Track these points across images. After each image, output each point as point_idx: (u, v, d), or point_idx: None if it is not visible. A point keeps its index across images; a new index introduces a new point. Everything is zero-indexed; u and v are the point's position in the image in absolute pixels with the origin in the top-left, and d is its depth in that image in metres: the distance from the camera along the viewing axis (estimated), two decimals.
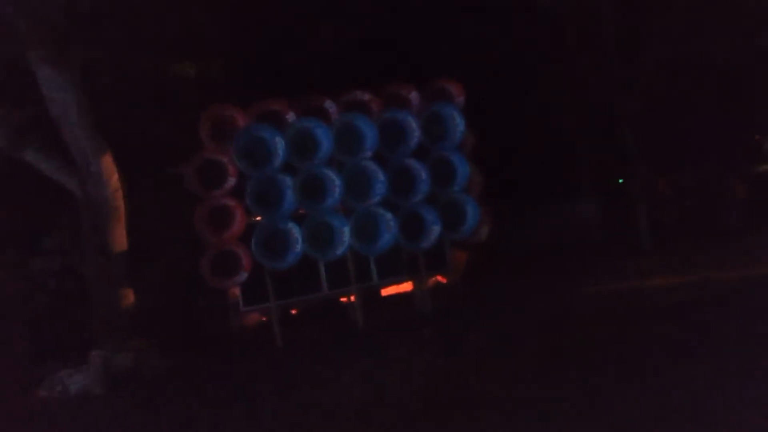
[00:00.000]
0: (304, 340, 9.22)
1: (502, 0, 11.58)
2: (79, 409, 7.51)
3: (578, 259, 11.78)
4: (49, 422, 7.28)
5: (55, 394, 7.97)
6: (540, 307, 9.11)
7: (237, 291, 9.26)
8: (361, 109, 9.66)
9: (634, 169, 12.37)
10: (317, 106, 9.67)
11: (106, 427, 6.92)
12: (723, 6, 11.35)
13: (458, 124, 9.73)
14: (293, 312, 10.14)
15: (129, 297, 8.91)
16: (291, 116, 9.47)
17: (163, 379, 8.07)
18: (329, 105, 9.68)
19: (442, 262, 9.93)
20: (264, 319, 9.79)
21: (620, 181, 13.01)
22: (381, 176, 9.27)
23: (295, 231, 9.02)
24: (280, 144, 9.05)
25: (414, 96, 10.01)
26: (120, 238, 8.94)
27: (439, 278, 10.45)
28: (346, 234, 9.12)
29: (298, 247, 8.99)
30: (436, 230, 9.47)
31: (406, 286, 10.25)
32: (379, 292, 10.39)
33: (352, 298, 9.63)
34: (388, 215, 9.25)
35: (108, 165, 8.86)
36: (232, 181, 9.15)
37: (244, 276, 9.04)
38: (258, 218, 9.20)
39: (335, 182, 9.10)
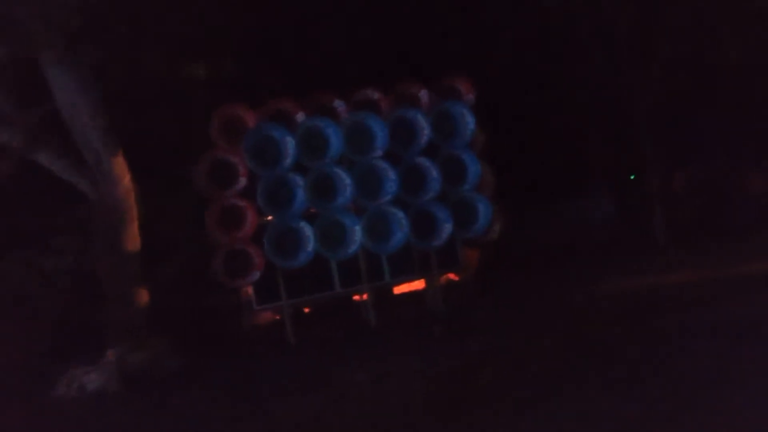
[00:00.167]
0: (317, 339, 9.24)
1: None
2: (96, 407, 7.57)
3: (591, 256, 11.71)
4: (65, 420, 7.33)
5: (71, 392, 8.01)
6: (552, 305, 9.08)
7: (250, 290, 9.30)
8: (371, 107, 9.65)
9: (648, 166, 12.29)
10: (327, 105, 9.67)
11: (122, 424, 6.97)
12: (737, 2, 11.27)
13: (468, 122, 9.70)
14: (306, 310, 10.16)
15: (142, 296, 8.95)
16: (301, 116, 9.49)
17: (177, 378, 8.12)
18: (339, 104, 9.69)
19: (454, 261, 9.92)
20: (277, 317, 9.82)
21: (632, 177, 12.93)
22: (392, 175, 9.26)
23: (307, 230, 9.05)
24: (290, 143, 9.07)
25: (424, 94, 9.99)
26: (132, 238, 8.98)
27: (451, 276, 10.43)
28: (357, 233, 9.12)
29: (310, 246, 9.02)
30: (447, 228, 9.46)
31: (419, 285, 10.24)
32: (391, 291, 10.38)
33: (365, 296, 9.65)
34: (400, 214, 9.25)
35: (120, 165, 8.90)
36: (243, 181, 9.18)
37: (256, 275, 9.08)
38: (269, 218, 9.23)
39: (346, 181, 9.10)
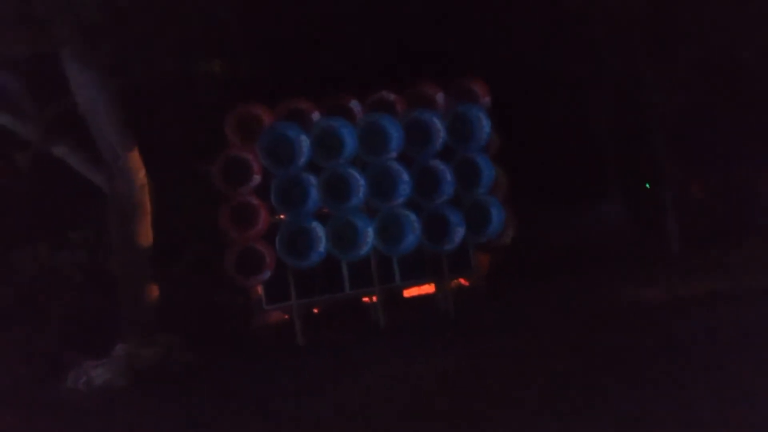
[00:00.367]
0: (326, 340, 9.25)
1: None
2: (102, 401, 7.61)
3: (604, 262, 11.62)
4: (72, 413, 7.37)
5: (79, 386, 8.08)
6: (563, 311, 9.02)
7: (260, 289, 9.32)
8: (386, 109, 9.64)
9: (665, 171, 12.20)
10: (343, 105, 9.67)
11: (127, 419, 6.99)
12: (756, 6, 11.15)
13: (484, 125, 9.67)
14: (315, 311, 10.17)
15: (154, 292, 9.01)
16: (316, 115, 9.50)
17: (185, 375, 8.15)
18: (355, 105, 9.69)
19: (465, 265, 9.86)
20: (286, 317, 9.83)
21: (647, 185, 12.84)
22: (405, 177, 9.25)
23: (319, 230, 9.05)
24: (305, 143, 9.09)
25: (440, 96, 9.96)
26: (146, 234, 9.04)
27: (462, 281, 10.39)
28: (369, 234, 9.11)
29: (322, 246, 9.02)
30: (460, 232, 9.43)
31: (429, 288, 10.21)
32: (401, 293, 10.37)
33: (374, 298, 9.63)
34: (413, 216, 9.23)
35: (135, 161, 8.96)
36: (257, 179, 9.20)
37: (267, 274, 9.09)
38: (282, 216, 9.23)
39: (360, 182, 9.10)
